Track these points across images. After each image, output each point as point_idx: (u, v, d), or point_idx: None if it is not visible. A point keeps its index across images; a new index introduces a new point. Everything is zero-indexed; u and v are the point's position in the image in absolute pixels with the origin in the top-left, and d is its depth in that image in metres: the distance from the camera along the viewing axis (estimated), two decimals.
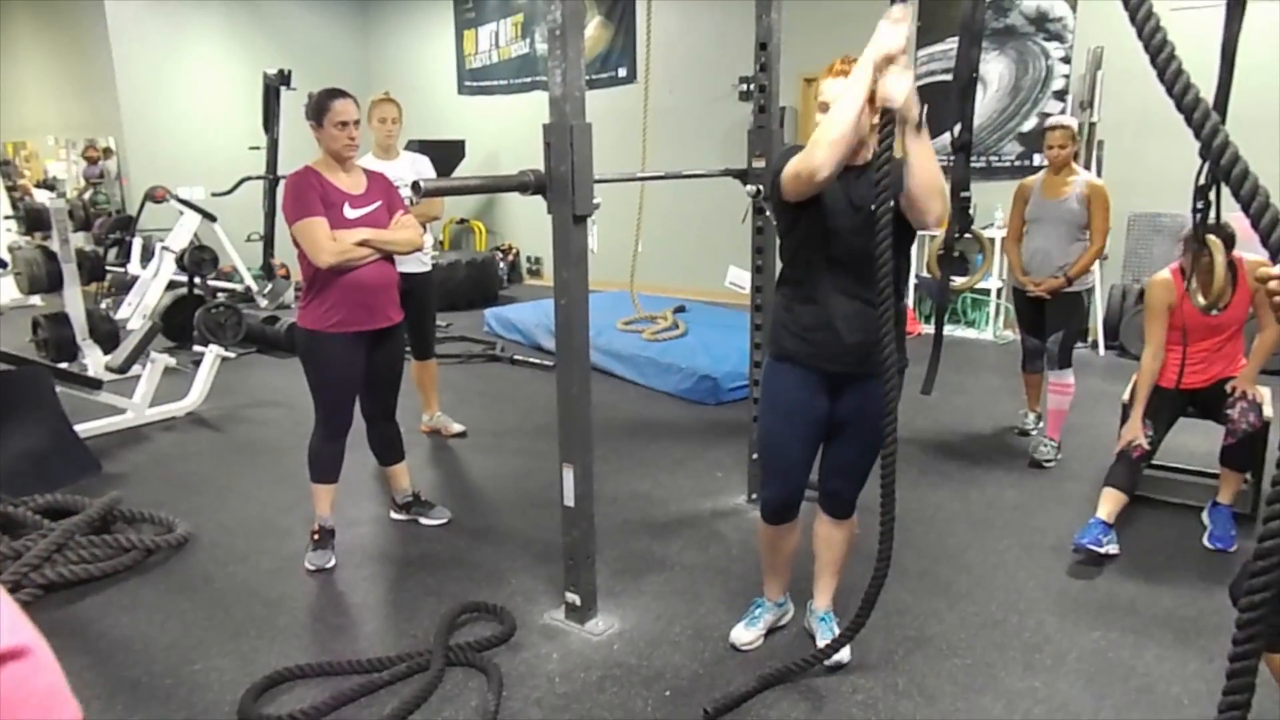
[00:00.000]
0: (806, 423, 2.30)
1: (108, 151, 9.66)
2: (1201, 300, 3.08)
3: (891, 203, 2.11)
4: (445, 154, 8.79)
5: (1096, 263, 4.05)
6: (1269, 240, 0.94)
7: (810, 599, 2.65)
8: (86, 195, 8.85)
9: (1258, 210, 0.94)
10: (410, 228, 3.08)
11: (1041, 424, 4.36)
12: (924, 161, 2.00)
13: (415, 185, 2.30)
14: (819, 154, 1.97)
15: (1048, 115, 6.68)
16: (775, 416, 2.35)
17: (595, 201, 2.46)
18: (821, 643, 2.53)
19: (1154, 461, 3.39)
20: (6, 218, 8.30)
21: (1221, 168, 0.95)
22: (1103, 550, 3.04)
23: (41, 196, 7.18)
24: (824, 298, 2.18)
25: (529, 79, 9.90)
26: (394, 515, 3.56)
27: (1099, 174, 6.10)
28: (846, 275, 2.16)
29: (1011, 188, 6.72)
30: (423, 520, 3.51)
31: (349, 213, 2.96)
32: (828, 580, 2.57)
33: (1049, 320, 4.06)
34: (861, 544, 3.13)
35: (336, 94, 3.01)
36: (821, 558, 2.55)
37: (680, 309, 6.89)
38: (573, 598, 2.72)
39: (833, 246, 2.16)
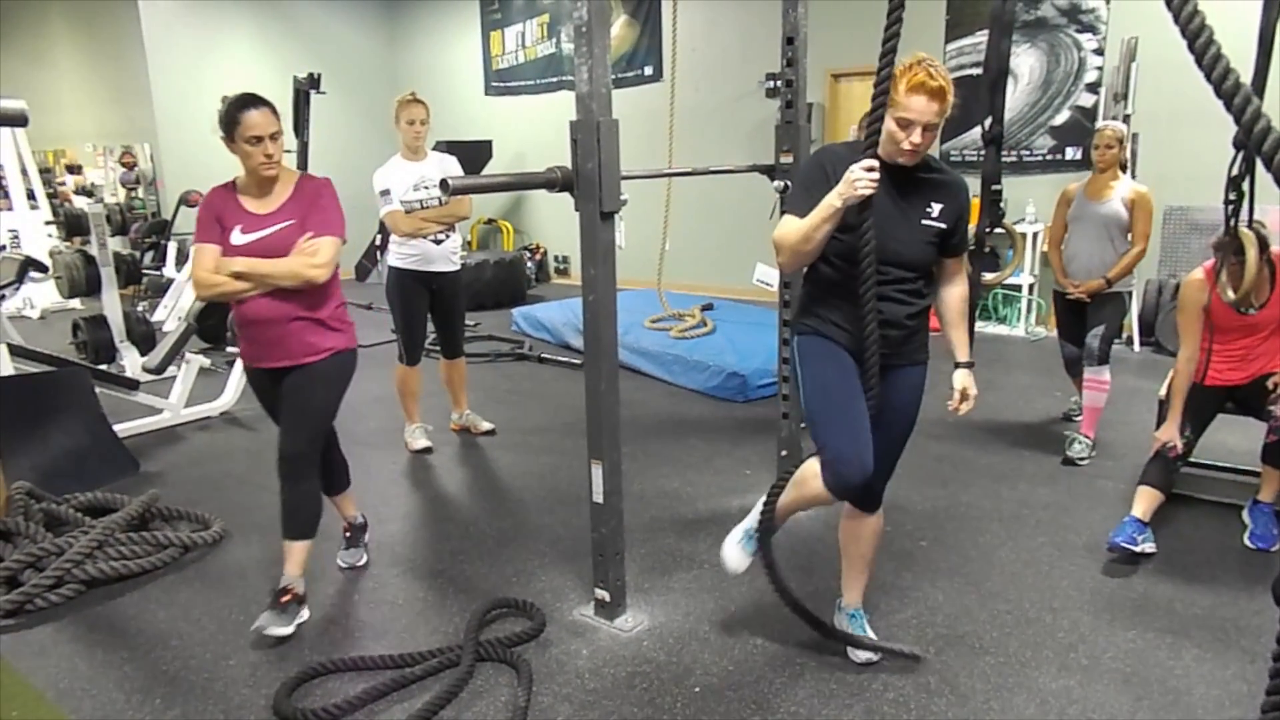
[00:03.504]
0: (858, 379, 2.17)
1: (150, 157, 9.84)
2: (1231, 295, 3.01)
3: (942, 224, 2.17)
4: (472, 155, 8.86)
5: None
6: None
7: (839, 596, 2.63)
8: (124, 200, 9.04)
9: None
10: (309, 254, 2.58)
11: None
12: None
13: (444, 183, 2.31)
14: (782, 259, 2.21)
15: (1081, 109, 6.60)
16: (831, 366, 2.19)
17: (622, 198, 2.46)
18: None
19: (1192, 459, 3.33)
20: (47, 223, 8.50)
21: (1264, 153, 0.93)
22: (1138, 549, 2.99)
23: (80, 202, 7.34)
24: (851, 294, 2.16)
25: (555, 79, 9.93)
26: (340, 559, 3.17)
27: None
28: (883, 272, 2.15)
29: (1043, 182, 6.74)
30: (340, 557, 3.16)
31: (237, 238, 2.59)
32: (857, 576, 2.55)
33: (1090, 316, 4.01)
34: (890, 542, 3.12)
35: (247, 103, 2.56)
36: (849, 552, 2.53)
37: (708, 306, 6.88)
38: (602, 594, 2.73)
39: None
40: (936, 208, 2.17)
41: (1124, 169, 4.08)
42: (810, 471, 2.24)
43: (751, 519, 2.51)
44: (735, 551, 2.52)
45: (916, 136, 2.03)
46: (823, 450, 2.21)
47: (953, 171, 2.26)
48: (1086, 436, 4.02)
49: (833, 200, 2.03)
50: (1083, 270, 4.02)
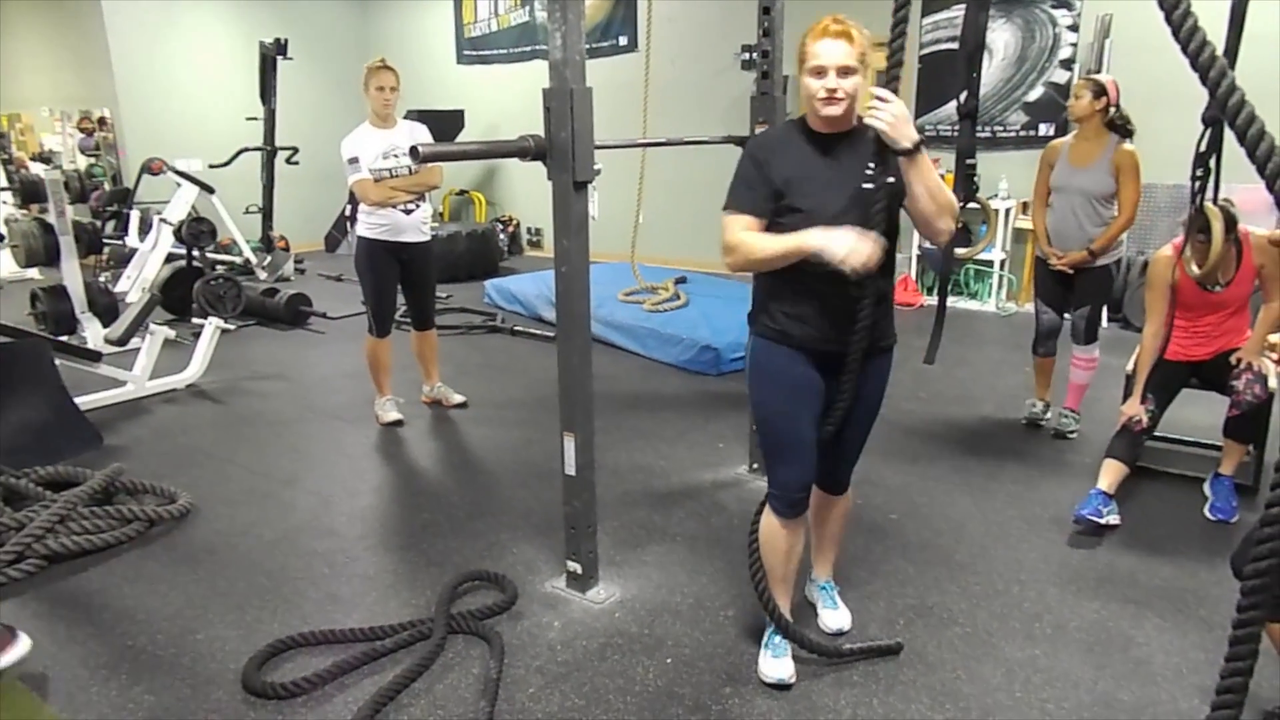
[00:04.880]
0: (812, 395, 2.16)
1: (103, 122, 9.56)
2: (1195, 269, 3.05)
3: (889, 177, 2.03)
4: (444, 124, 8.70)
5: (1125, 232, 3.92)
6: (1275, 187, 0.91)
7: (810, 569, 2.65)
8: (84, 167, 8.79)
9: (1272, 167, 0.92)
10: None
11: (1050, 413, 4.21)
12: (927, 185, 1.99)
13: (414, 150, 2.27)
14: (735, 262, 2.09)
15: (1055, 85, 6.61)
16: (780, 393, 2.17)
17: (596, 167, 2.43)
18: (823, 611, 2.56)
19: (1156, 433, 3.38)
20: (1, 190, 8.26)
21: (1236, 127, 0.93)
22: (1103, 521, 3.05)
23: (37, 169, 7.14)
24: (815, 283, 2.05)
25: (529, 48, 9.77)
26: None
27: None
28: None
29: (1016, 158, 6.76)
30: None
31: None
32: (828, 550, 2.57)
33: (1077, 293, 3.95)
34: (862, 515, 3.16)
35: None
36: (818, 530, 2.54)
37: (681, 280, 6.86)
38: (574, 566, 2.73)
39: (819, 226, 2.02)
40: (874, 163, 2.03)
41: (1119, 130, 3.82)
42: (765, 523, 2.28)
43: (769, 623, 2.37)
44: (771, 664, 2.31)
45: (831, 80, 1.97)
46: (769, 479, 2.27)
47: None
48: (1072, 410, 4.06)
49: (809, 243, 1.95)
50: (1068, 241, 3.89)
